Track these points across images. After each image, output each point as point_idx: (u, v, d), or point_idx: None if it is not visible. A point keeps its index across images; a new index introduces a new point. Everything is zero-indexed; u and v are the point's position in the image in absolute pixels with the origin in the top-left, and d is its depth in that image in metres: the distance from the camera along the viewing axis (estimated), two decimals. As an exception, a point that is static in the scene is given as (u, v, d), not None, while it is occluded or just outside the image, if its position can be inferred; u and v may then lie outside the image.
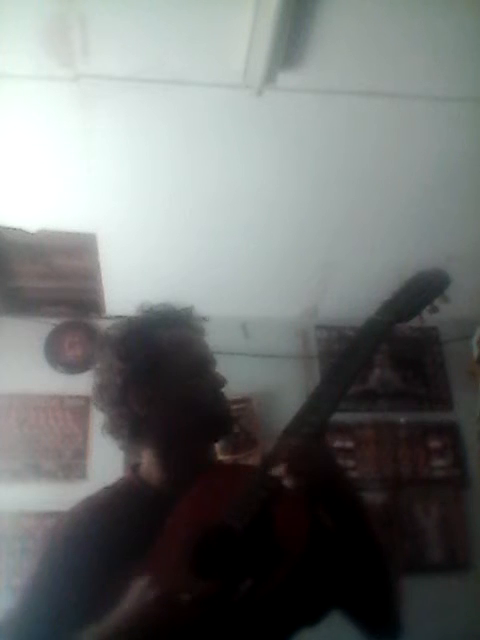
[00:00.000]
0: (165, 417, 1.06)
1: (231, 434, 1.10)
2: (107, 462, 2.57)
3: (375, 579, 0.94)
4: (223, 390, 1.09)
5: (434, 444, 3.02)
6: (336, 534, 0.91)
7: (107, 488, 1.11)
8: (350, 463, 2.91)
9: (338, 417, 0.95)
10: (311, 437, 0.89)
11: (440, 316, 1.03)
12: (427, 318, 1.03)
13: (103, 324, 3.05)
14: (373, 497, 2.78)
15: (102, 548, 0.95)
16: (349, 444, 2.95)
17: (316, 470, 0.86)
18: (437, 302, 1.03)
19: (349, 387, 0.95)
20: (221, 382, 1.10)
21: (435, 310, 1.03)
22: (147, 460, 1.09)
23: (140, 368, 1.06)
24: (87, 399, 2.90)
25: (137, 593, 0.82)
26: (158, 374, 1.07)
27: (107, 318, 3.04)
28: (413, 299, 1.02)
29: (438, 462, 2.99)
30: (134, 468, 1.12)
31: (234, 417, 1.08)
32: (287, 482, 0.86)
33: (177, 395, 1.07)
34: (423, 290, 1.02)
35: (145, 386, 1.06)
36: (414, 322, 1.03)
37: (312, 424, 0.91)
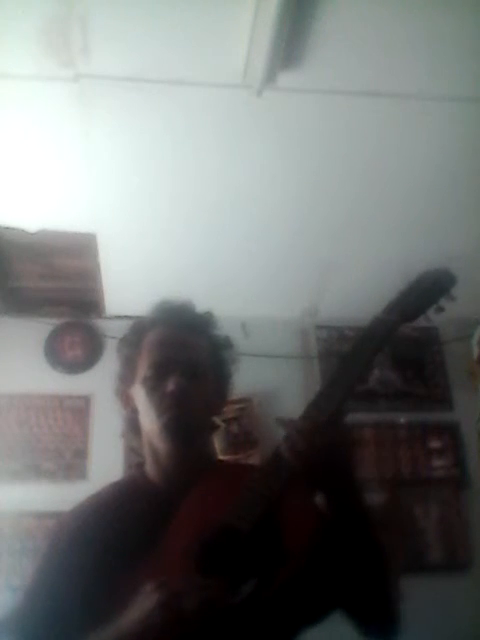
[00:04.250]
0: (137, 418, 1.09)
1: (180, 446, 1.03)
2: (107, 462, 2.59)
3: (372, 576, 0.94)
4: (179, 399, 1.02)
5: (434, 444, 3.01)
6: (332, 526, 0.90)
7: (113, 484, 1.12)
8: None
9: (337, 417, 0.95)
10: (319, 424, 0.87)
11: (440, 316, 1.03)
12: (431, 317, 1.04)
13: (103, 324, 3.06)
14: (373, 497, 2.78)
15: (106, 546, 0.96)
16: (349, 444, 2.95)
17: (319, 453, 0.85)
18: (443, 301, 1.03)
19: (354, 387, 0.95)
20: (177, 389, 1.02)
21: (441, 309, 1.02)
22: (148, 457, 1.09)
23: (121, 367, 1.13)
24: (87, 399, 2.90)
25: (140, 598, 0.81)
26: (133, 374, 1.10)
27: (107, 318, 3.04)
28: (419, 298, 1.01)
29: (438, 462, 2.98)
30: (139, 465, 1.12)
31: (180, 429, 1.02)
32: (288, 459, 0.85)
33: (141, 397, 1.07)
34: (429, 289, 1.02)
35: (124, 384, 1.12)
36: (420, 321, 1.03)
37: (316, 418, 0.90)
